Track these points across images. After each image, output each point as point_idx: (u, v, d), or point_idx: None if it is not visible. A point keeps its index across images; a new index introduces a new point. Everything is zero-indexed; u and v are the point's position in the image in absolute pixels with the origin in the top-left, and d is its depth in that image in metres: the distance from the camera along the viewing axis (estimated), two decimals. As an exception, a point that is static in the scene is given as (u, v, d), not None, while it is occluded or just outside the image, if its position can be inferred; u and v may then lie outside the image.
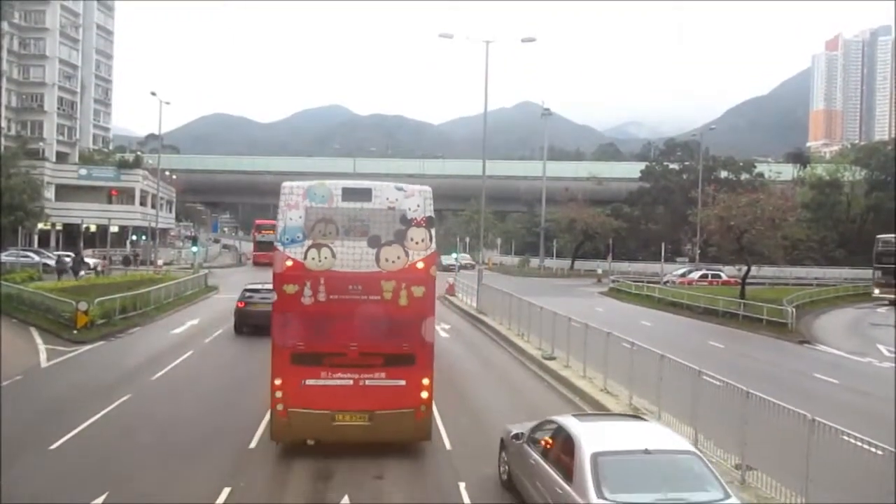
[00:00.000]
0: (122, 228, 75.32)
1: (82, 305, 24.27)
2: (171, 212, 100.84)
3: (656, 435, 9.32)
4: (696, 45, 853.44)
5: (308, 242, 11.98)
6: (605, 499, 7.64)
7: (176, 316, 31.07)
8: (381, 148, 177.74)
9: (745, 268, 40.97)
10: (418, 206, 12.33)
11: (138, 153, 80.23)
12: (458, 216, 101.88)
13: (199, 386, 17.87)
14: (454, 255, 53.12)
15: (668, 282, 55.86)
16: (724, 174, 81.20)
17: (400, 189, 12.47)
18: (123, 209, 74.56)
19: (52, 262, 53.23)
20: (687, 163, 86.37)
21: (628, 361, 15.80)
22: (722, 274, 56.78)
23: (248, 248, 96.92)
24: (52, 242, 71.15)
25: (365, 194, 12.29)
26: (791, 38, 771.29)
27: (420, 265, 12.21)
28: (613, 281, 54.00)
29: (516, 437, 10.55)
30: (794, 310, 31.10)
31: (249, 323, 24.70)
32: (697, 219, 52.59)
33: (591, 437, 8.67)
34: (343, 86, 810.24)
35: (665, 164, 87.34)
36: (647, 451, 8.36)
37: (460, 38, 34.72)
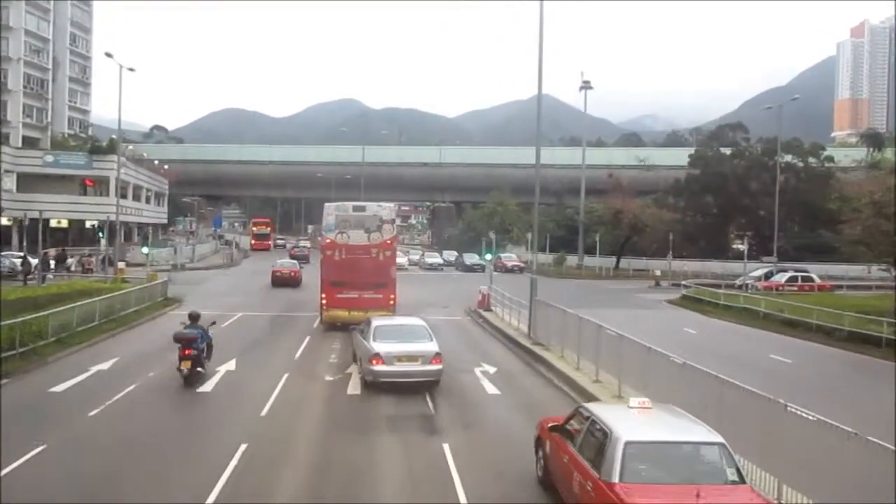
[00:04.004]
0: (102, 223, 65.33)
1: None
2: (161, 205, 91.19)
3: (410, 320, 19.69)
4: (711, 37, 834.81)
5: (336, 230, 25.48)
6: (379, 343, 16.64)
7: (89, 351, 21.03)
8: (395, 139, 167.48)
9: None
10: (388, 213, 25.93)
11: (112, 136, 70.29)
12: (479, 209, 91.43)
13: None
14: (488, 256, 42.72)
15: (743, 286, 45.43)
16: (787, 158, 70.59)
17: (379, 205, 26.51)
18: (97, 202, 64.55)
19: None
20: (743, 145, 75.68)
21: None
22: (814, 276, 46.21)
23: (246, 245, 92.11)
24: (16, 240, 61.62)
25: (363, 209, 26.12)
26: (808, 29, 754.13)
27: (388, 241, 25.67)
28: (684, 286, 43.28)
29: (359, 331, 19.03)
30: None
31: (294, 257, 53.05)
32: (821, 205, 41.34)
33: (378, 322, 18.19)
34: (356, 79, 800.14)
35: (718, 148, 76.26)
36: (400, 325, 18.48)
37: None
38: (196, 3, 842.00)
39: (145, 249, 35.45)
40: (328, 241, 25.63)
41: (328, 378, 18.15)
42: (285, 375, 17.97)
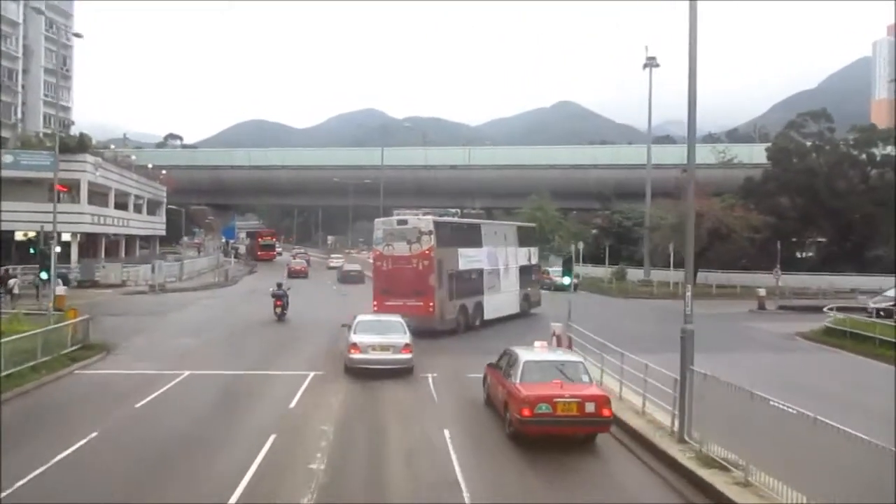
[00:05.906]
0: (37, 235, 54.66)
1: None
2: (157, 215, 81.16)
3: (389, 317, 21.98)
4: (735, 41, 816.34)
5: (384, 243, 28.27)
6: (358, 335, 19.71)
7: None
8: (419, 142, 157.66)
9: None
10: (426, 225, 27.78)
11: (83, 132, 60.07)
12: (513, 215, 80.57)
13: None
14: (566, 279, 30.99)
15: (873, 311, 34.20)
16: (887, 150, 59.29)
17: (419, 218, 28.69)
18: (69, 209, 54.16)
19: None
20: (829, 136, 64.12)
21: None
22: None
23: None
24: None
25: (405, 222, 28.45)
26: (834, 32, 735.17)
27: (426, 251, 27.33)
28: (828, 312, 31.59)
29: (348, 326, 21.09)
30: None
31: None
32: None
33: (361, 318, 21.06)
34: (378, 89, 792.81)
35: (801, 140, 64.70)
36: (379, 321, 21.20)
37: None
38: (217, 14, 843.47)
39: (44, 275, 24.34)
40: (377, 252, 28.97)
41: None
42: None
